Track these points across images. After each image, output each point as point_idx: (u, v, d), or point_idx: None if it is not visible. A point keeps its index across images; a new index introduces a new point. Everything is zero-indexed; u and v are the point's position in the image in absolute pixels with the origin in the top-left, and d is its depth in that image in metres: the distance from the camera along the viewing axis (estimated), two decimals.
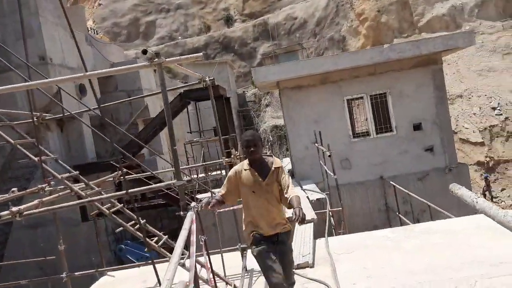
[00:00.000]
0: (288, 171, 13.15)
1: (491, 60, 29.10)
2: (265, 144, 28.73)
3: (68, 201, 4.26)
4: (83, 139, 14.03)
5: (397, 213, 10.69)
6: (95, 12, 49.03)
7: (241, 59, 44.84)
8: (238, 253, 5.71)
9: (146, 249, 4.58)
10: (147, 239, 4.37)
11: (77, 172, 5.36)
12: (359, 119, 11.99)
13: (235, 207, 5.22)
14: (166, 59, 3.58)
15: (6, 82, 6.02)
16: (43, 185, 4.78)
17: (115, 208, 4.79)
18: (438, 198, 10.89)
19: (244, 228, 3.85)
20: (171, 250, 3.87)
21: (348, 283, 4.85)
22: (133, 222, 4.83)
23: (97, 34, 27.09)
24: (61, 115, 6.51)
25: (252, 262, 4.60)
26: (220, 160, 6.67)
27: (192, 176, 11.98)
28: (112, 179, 6.12)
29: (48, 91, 7.72)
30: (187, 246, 3.14)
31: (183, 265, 4.51)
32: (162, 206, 13.67)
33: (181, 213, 3.38)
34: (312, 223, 7.28)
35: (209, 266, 4.38)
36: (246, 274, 5.26)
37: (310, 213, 7.50)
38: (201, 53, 3.69)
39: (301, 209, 3.46)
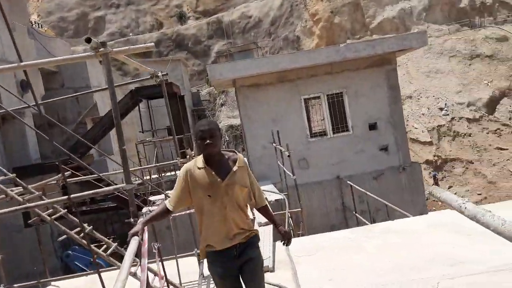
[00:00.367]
0: None
1: (438, 62, 30.32)
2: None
3: (10, 206, 3.79)
4: (25, 139, 13.08)
5: (354, 212, 10.72)
6: (40, 5, 46.63)
7: (195, 57, 44.17)
8: (195, 259, 5.37)
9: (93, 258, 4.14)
10: (93, 247, 3.95)
11: (14, 174, 4.82)
12: (316, 118, 11.94)
13: (191, 211, 4.89)
14: (113, 49, 3.21)
15: None
16: None
17: (57, 214, 4.32)
18: (392, 196, 11.07)
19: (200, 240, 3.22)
20: (121, 256, 3.50)
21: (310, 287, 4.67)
22: (78, 229, 4.38)
23: (41, 27, 25.61)
24: None
25: None
26: (175, 160, 6.30)
27: (145, 177, 11.47)
28: (55, 182, 5.60)
29: None
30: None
31: (134, 274, 4.14)
32: (113, 209, 13.02)
33: (131, 220, 3.02)
34: (271, 225, 7.07)
35: (162, 274, 4.04)
36: (203, 281, 4.95)
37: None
38: (152, 43, 3.34)
39: (289, 231, 3.09)
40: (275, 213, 8.11)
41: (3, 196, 4.51)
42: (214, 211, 2.95)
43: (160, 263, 3.89)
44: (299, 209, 7.98)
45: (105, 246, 4.61)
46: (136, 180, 8.81)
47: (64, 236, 4.12)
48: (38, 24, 28.02)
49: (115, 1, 48.25)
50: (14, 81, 12.68)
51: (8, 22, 3.16)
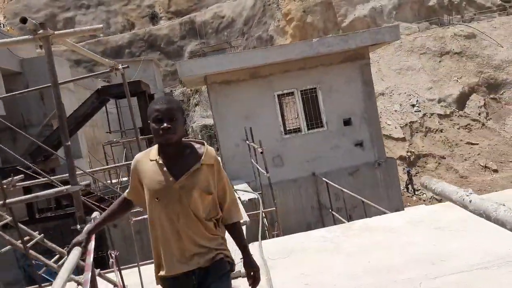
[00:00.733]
0: None
1: (409, 60, 30.65)
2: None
3: None
4: None
5: (330, 210, 10.50)
6: (6, 7, 45.03)
7: (168, 57, 43.48)
8: None
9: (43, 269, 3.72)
10: (43, 258, 3.51)
11: None
12: (290, 115, 11.68)
13: None
14: (55, 32, 2.79)
15: None
16: None
17: (2, 222, 3.86)
18: (368, 192, 10.92)
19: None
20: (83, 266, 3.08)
21: None
22: (28, 237, 3.92)
23: (3, 27, 24.58)
24: None
25: None
26: (127, 162, 5.86)
27: (112, 180, 10.93)
28: (5, 186, 5.09)
29: None
30: (104, 259, 2.40)
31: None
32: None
33: (78, 226, 2.61)
34: (245, 225, 6.72)
35: (121, 284, 3.64)
36: None
37: (242, 215, 6.93)
38: (100, 25, 2.93)
39: (258, 270, 2.43)
40: (249, 213, 7.77)
41: None
42: (163, 221, 2.21)
43: (118, 273, 3.49)
44: (274, 208, 7.66)
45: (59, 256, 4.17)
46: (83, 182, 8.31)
47: (7, 248, 3.66)
48: (2, 24, 26.91)
49: (85, 2, 47.06)
50: None
51: None
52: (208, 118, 29.93)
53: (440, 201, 24.49)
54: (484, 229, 4.98)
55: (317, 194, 11.17)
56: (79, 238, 2.34)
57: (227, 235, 2.44)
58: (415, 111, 27.72)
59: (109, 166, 8.92)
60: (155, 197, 2.20)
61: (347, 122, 11.40)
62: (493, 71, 29.62)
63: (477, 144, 26.69)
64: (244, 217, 6.95)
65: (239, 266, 5.18)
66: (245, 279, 4.98)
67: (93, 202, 10.63)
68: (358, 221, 7.00)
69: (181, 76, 10.83)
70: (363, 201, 8.10)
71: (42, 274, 10.28)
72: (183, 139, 2.29)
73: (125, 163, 7.07)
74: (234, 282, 4.81)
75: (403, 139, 26.14)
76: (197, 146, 2.31)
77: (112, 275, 3.71)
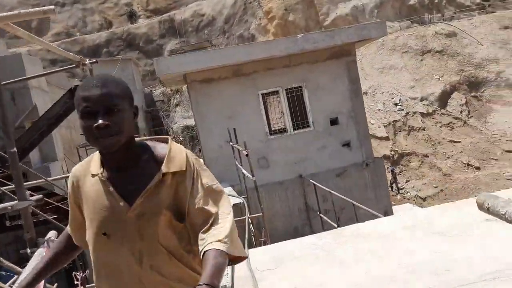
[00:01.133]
0: None
1: (391, 59, 30.63)
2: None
3: None
4: None
5: (318, 213, 10.12)
6: None
7: (147, 56, 42.60)
8: None
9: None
10: None
11: None
12: (275, 114, 11.25)
13: None
14: None
15: None
16: None
17: None
18: (356, 193, 10.58)
19: None
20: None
21: None
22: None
23: None
24: None
25: None
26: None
27: None
28: None
29: None
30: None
31: None
32: (56, 221, 11.71)
33: (28, 251, 2.09)
34: None
35: None
36: None
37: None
38: (52, 6, 2.42)
39: None
40: (234, 219, 7.30)
41: None
42: (116, 267, 1.48)
43: None
44: (261, 214, 7.21)
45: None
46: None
47: None
48: None
49: (60, 0, 45.77)
50: None
51: None
52: (189, 119, 29.32)
53: (424, 199, 24.48)
54: (489, 235, 4.62)
55: (304, 196, 10.77)
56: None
57: None
58: (398, 110, 27.67)
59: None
60: (101, 231, 1.47)
61: (334, 122, 11.03)
62: (474, 69, 29.82)
63: (460, 142, 26.79)
64: None
65: (226, 280, 4.73)
66: None
67: (65, 208, 10.00)
68: (349, 226, 6.60)
69: (159, 74, 10.26)
70: (354, 204, 7.72)
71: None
72: (136, 139, 1.53)
73: None
74: None
75: (387, 138, 26.04)
76: (159, 146, 1.54)
77: None
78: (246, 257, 1.56)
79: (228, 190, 9.43)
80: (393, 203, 21.35)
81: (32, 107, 16.63)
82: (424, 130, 27.31)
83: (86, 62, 4.20)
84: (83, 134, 1.48)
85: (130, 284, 1.47)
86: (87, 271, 3.09)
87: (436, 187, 24.37)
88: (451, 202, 6.13)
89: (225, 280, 4.72)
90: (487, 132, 27.25)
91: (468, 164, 25.55)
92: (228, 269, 5.05)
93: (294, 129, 10.98)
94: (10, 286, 3.17)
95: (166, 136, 1.62)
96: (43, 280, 1.75)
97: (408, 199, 23.53)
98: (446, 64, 30.31)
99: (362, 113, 11.34)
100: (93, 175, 1.50)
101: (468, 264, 4.22)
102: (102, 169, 1.49)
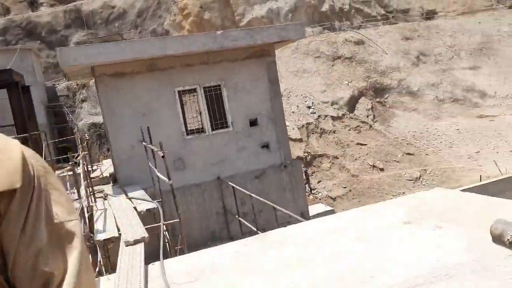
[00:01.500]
0: (110, 176, 11.05)
1: (305, 63, 31.51)
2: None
3: None
4: None
5: (236, 216, 9.79)
6: None
7: (50, 48, 39.23)
8: None
9: None
10: None
11: None
12: (193, 113, 10.70)
13: None
14: None
15: None
16: None
17: None
18: (274, 195, 10.45)
19: None
20: None
21: None
22: None
23: None
24: None
25: None
26: None
27: None
28: None
29: None
30: None
31: None
32: None
33: None
34: (142, 243, 5.64)
35: None
36: None
37: (139, 231, 5.82)
38: None
39: None
40: (148, 226, 6.65)
41: None
42: None
43: None
44: (177, 220, 6.66)
45: None
46: None
47: None
48: None
49: None
50: None
51: None
52: (97, 116, 27.44)
53: (334, 199, 25.47)
54: (413, 240, 4.60)
55: (222, 199, 10.38)
56: None
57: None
58: (311, 113, 28.50)
59: None
60: None
61: (253, 123, 10.79)
62: (379, 76, 31.77)
63: (366, 144, 28.32)
64: (142, 233, 5.85)
65: None
66: None
67: None
68: (274, 231, 6.33)
69: (63, 65, 9.16)
70: (274, 207, 7.49)
71: None
72: None
73: None
74: None
75: (300, 140, 26.67)
76: None
77: None
78: None
79: (140, 193, 8.70)
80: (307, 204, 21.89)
81: None
82: (335, 133, 28.44)
83: None
84: None
85: None
86: None
87: (345, 187, 25.47)
88: (372, 203, 6.12)
89: None
90: (390, 136, 29.17)
91: (373, 166, 27.09)
92: (140, 285, 4.48)
93: (213, 130, 10.54)
94: None
95: None
96: None
97: (320, 199, 24.29)
98: (355, 70, 31.93)
99: (281, 114, 11.25)
100: None
101: (392, 270, 4.12)
102: None
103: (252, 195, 8.79)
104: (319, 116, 28.56)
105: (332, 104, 29.86)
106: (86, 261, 0.90)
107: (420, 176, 26.64)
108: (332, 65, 31.80)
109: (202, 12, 36.56)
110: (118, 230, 6.12)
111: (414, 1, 41.17)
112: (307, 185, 24.29)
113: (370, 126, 29.60)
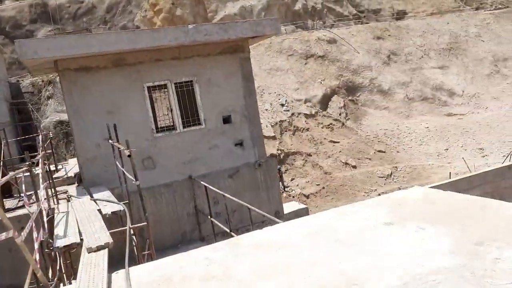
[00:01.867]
0: (75, 176, 10.50)
1: (278, 61, 31.34)
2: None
3: None
4: None
5: (209, 216, 9.44)
6: None
7: (14, 43, 37.68)
8: None
9: None
10: None
11: None
12: (163, 110, 10.27)
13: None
14: None
15: None
16: None
17: None
18: (248, 194, 10.17)
19: None
20: None
21: None
22: None
23: None
24: None
25: None
26: None
27: None
28: None
29: None
30: None
31: None
32: None
33: None
34: (106, 249, 5.23)
35: None
36: None
37: (103, 237, 5.41)
38: None
39: None
40: (113, 230, 6.23)
41: None
42: None
43: None
44: (145, 223, 6.26)
45: None
46: None
47: None
48: None
49: None
50: None
51: None
52: (63, 113, 26.43)
53: (307, 197, 25.41)
54: (396, 243, 4.38)
55: (194, 199, 10.00)
56: None
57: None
58: (284, 111, 28.35)
59: None
60: None
61: (226, 120, 10.45)
62: (351, 75, 31.95)
63: (339, 142, 28.40)
64: (106, 238, 5.44)
65: None
66: None
67: None
68: (247, 234, 6.02)
69: (22, 58, 8.56)
70: (249, 208, 7.19)
71: None
72: None
73: None
74: None
75: (274, 138, 26.49)
76: None
77: None
78: None
79: (106, 194, 8.23)
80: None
81: None
82: (308, 130, 28.41)
83: None
84: None
85: None
86: None
87: (318, 184, 25.45)
88: (348, 203, 5.90)
89: None
90: (362, 134, 29.38)
91: (346, 163, 27.19)
92: None
93: (184, 127, 10.14)
94: None
95: None
96: None
97: (293, 196, 24.17)
98: (327, 68, 31.99)
99: (256, 112, 10.96)
100: None
101: (376, 276, 3.88)
102: None
103: (225, 194, 8.47)
104: (292, 114, 28.44)
105: (305, 102, 29.81)
106: None
107: (391, 173, 26.93)
108: (305, 64, 31.77)
109: (174, 8, 35.88)
110: (80, 235, 5.68)
111: (385, 2, 41.69)
112: (280, 183, 24.13)
113: (343, 124, 29.71)
